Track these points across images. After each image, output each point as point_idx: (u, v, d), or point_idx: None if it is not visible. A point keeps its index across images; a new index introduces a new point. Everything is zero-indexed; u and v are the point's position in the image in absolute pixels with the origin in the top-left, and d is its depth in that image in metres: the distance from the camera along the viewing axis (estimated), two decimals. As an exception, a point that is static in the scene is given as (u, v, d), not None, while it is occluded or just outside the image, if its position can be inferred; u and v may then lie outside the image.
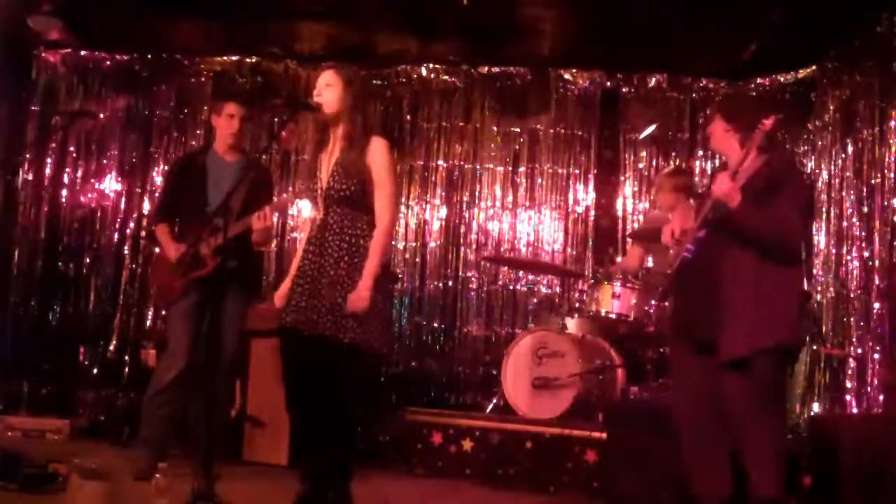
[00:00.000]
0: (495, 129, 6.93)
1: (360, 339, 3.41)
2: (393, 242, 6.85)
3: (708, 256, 3.37)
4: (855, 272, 5.39)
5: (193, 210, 4.47)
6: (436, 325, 6.86)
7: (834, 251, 5.65)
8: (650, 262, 5.54)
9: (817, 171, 6.00)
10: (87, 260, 6.90)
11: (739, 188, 3.25)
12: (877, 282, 5.09)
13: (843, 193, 5.56)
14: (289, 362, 3.55)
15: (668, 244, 3.54)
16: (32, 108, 6.87)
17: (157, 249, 4.81)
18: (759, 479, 3.24)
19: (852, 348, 5.28)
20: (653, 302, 5.09)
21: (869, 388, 5.08)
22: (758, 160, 3.42)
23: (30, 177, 6.88)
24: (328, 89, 3.55)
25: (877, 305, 5.07)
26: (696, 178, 6.33)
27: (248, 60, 6.94)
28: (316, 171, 3.61)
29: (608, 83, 6.82)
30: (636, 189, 6.78)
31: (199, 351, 4.48)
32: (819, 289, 5.77)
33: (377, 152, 3.55)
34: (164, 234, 4.60)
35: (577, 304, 5.57)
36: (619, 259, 6.29)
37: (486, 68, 6.88)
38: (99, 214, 6.95)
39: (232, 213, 4.00)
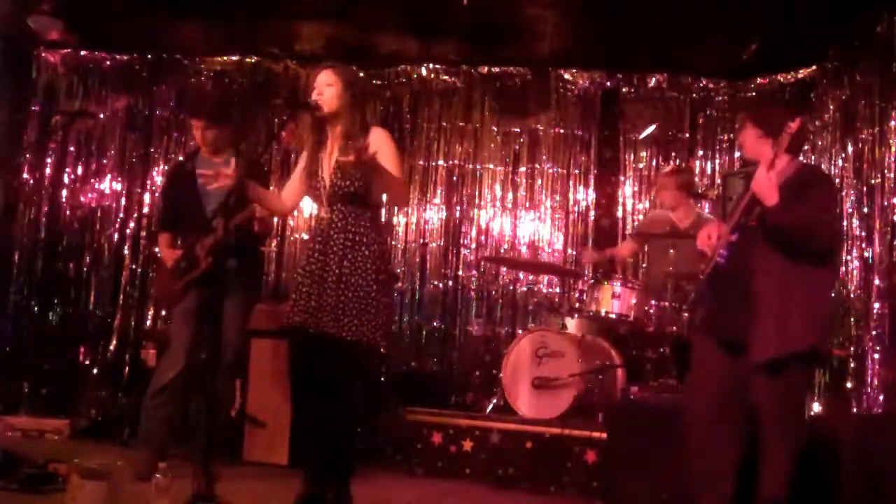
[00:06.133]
0: (495, 129, 6.93)
1: (361, 336, 3.43)
2: (393, 242, 6.88)
3: (740, 260, 3.37)
4: (855, 272, 5.40)
5: (192, 214, 4.50)
6: (436, 325, 6.86)
7: (835, 251, 5.64)
8: (647, 262, 5.54)
9: (817, 171, 6.01)
10: (87, 260, 6.89)
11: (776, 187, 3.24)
12: (877, 282, 5.09)
13: (843, 193, 5.56)
14: (296, 362, 3.57)
15: (704, 248, 3.52)
16: (32, 108, 6.87)
17: (157, 252, 4.86)
18: (771, 479, 3.26)
19: (852, 348, 5.29)
20: (666, 303, 5.07)
21: (869, 388, 5.08)
22: (789, 163, 3.42)
23: (30, 177, 6.88)
24: (328, 88, 3.56)
25: (877, 305, 5.07)
26: (697, 178, 6.33)
27: (248, 60, 6.95)
28: (318, 171, 3.61)
29: (608, 83, 6.82)
30: (636, 189, 6.78)
31: (200, 351, 4.49)
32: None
33: (379, 140, 3.56)
34: (164, 243, 4.70)
35: (577, 304, 5.57)
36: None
37: (486, 68, 6.88)
38: (99, 214, 6.95)
39: (230, 210, 4.02)
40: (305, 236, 6.76)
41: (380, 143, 3.55)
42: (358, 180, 3.50)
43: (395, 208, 6.73)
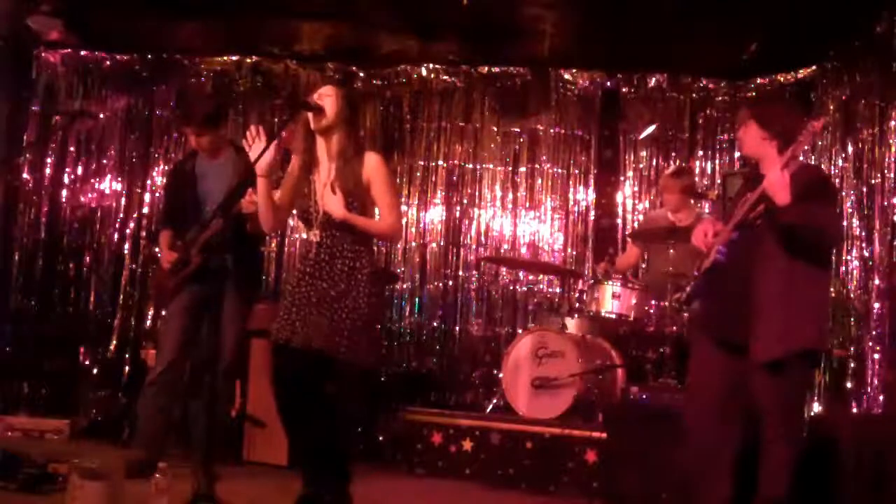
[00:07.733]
0: (495, 129, 6.93)
1: (350, 354, 3.40)
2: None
3: (740, 258, 3.36)
4: (855, 272, 5.40)
5: (192, 213, 4.52)
6: (436, 325, 6.86)
7: (834, 251, 5.65)
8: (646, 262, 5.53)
9: (817, 171, 6.00)
10: (87, 260, 6.90)
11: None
12: (877, 282, 5.09)
13: (843, 193, 5.56)
14: (280, 376, 3.51)
15: (700, 246, 3.51)
16: (32, 108, 6.87)
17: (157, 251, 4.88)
18: (771, 478, 3.26)
19: (852, 348, 5.29)
20: (666, 303, 5.07)
21: (869, 388, 5.08)
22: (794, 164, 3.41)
23: (30, 177, 6.88)
24: (327, 98, 3.53)
25: (877, 305, 5.07)
26: (697, 178, 6.33)
27: (248, 60, 6.95)
28: (310, 193, 3.57)
29: (608, 83, 6.82)
30: (636, 189, 6.78)
31: (198, 350, 4.49)
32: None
33: (373, 167, 3.52)
34: (163, 242, 4.71)
35: (577, 304, 5.57)
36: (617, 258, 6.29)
37: (486, 68, 6.88)
38: (99, 214, 6.95)
39: (228, 210, 4.02)
40: (305, 236, 6.76)
41: (373, 171, 3.51)
42: (353, 206, 3.45)
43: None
